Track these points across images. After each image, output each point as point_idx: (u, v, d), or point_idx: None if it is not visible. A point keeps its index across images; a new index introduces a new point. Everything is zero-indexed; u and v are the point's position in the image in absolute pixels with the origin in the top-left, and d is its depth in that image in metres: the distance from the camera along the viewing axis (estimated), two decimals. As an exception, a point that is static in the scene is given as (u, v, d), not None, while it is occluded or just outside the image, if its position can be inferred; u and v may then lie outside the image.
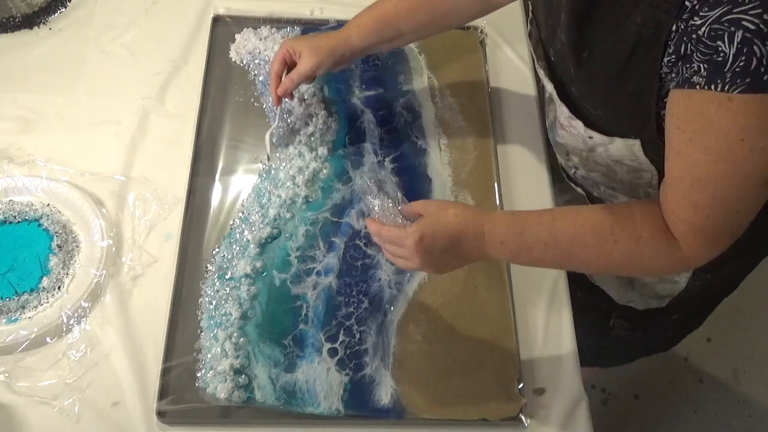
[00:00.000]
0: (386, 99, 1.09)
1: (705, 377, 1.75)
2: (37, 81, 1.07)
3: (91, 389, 0.84)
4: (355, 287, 0.92)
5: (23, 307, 0.87)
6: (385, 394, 0.85)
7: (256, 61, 1.11)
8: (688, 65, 0.61)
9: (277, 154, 1.01)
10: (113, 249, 0.92)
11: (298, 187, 0.99)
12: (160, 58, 1.11)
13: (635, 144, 0.76)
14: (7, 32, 1.12)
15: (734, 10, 0.55)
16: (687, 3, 0.60)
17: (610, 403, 1.71)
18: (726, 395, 1.73)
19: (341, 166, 1.02)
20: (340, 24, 1.13)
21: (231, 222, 0.96)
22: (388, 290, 0.92)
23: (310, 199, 0.99)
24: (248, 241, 0.94)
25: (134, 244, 0.94)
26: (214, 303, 0.89)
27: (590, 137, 0.80)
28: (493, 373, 0.87)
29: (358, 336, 0.89)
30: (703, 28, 0.58)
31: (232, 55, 1.12)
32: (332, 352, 0.87)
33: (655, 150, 0.74)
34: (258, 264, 0.92)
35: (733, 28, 0.55)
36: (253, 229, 0.95)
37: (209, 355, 0.86)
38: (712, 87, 0.58)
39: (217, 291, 0.90)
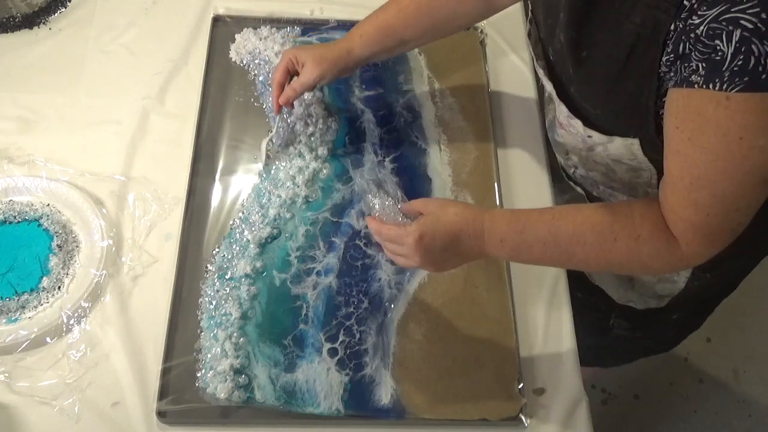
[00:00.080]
0: (386, 99, 1.09)
1: (705, 377, 1.75)
2: (37, 81, 1.07)
3: (91, 389, 0.84)
4: (355, 287, 0.92)
5: (23, 307, 0.87)
6: (385, 394, 0.85)
7: (256, 61, 1.11)
8: (686, 64, 0.61)
9: (275, 163, 1.01)
10: (113, 249, 0.92)
11: (298, 187, 0.99)
12: (160, 58, 1.11)
13: (634, 143, 0.76)
14: (7, 32, 1.12)
15: (732, 9, 0.56)
16: (686, 2, 0.60)
17: (610, 403, 1.71)
18: (726, 395, 1.73)
19: (341, 166, 1.02)
20: (340, 24, 1.14)
21: (231, 222, 0.96)
22: (388, 290, 0.92)
23: (310, 199, 0.99)
24: (248, 241, 0.94)
25: (134, 244, 0.94)
26: (214, 303, 0.89)
27: (589, 136, 0.80)
28: (493, 372, 0.87)
29: (358, 336, 0.89)
30: (702, 27, 0.58)
31: (232, 55, 1.12)
32: (332, 352, 0.87)
33: (654, 149, 0.74)
34: (258, 264, 0.92)
35: (731, 27, 0.56)
36: (253, 229, 0.95)
37: (209, 355, 0.86)
38: (711, 86, 0.58)
39: (217, 291, 0.90)
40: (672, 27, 0.62)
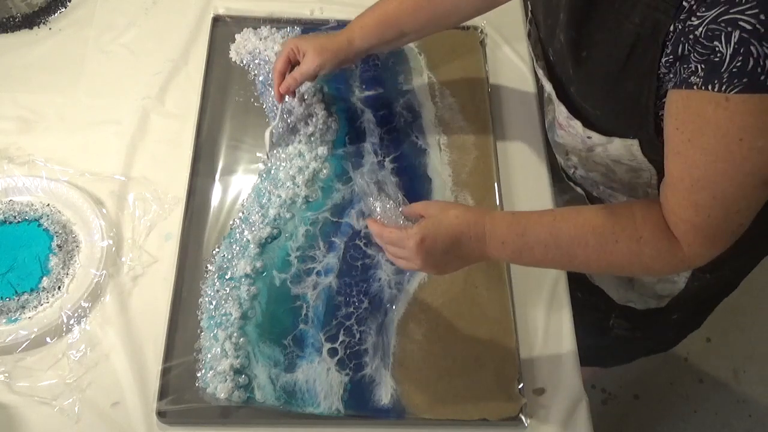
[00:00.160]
0: (386, 99, 1.09)
1: (705, 377, 1.75)
2: (37, 81, 1.07)
3: (91, 389, 0.84)
4: (355, 287, 0.92)
5: (23, 307, 0.87)
6: (385, 394, 0.85)
7: (256, 61, 1.11)
8: (685, 65, 0.61)
9: (276, 152, 1.01)
10: (113, 249, 0.92)
11: (298, 187, 0.99)
12: (160, 58, 1.11)
13: (634, 144, 0.76)
14: (7, 32, 1.12)
15: (731, 11, 0.56)
16: (685, 3, 0.60)
17: (610, 403, 1.71)
18: (726, 395, 1.73)
19: (341, 166, 1.02)
20: (340, 24, 1.14)
21: (231, 222, 0.96)
22: (388, 290, 0.92)
23: (310, 199, 0.99)
24: (248, 241, 0.94)
25: (134, 244, 0.94)
26: (214, 303, 0.89)
27: (589, 137, 0.80)
28: (493, 373, 0.87)
29: (358, 336, 0.89)
30: (701, 29, 0.58)
31: (232, 55, 1.12)
32: (332, 352, 0.87)
33: (654, 150, 0.74)
34: (258, 264, 0.92)
35: (730, 29, 0.56)
36: (253, 229, 0.95)
37: (209, 355, 0.86)
38: (710, 87, 0.58)
39: (217, 291, 0.90)
40: (671, 28, 0.62)
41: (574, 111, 0.81)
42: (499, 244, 0.75)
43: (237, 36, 1.13)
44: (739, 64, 0.55)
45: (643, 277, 0.99)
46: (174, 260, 0.92)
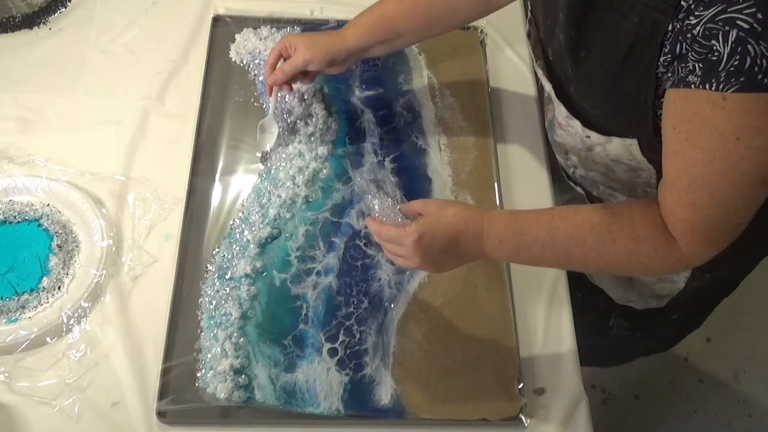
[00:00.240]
0: (386, 99, 1.09)
1: (705, 377, 1.75)
2: (37, 81, 1.07)
3: (91, 389, 0.84)
4: (355, 287, 0.92)
5: (23, 307, 0.87)
6: (385, 394, 0.85)
7: (256, 61, 1.11)
8: (683, 65, 0.61)
9: (268, 147, 1.01)
10: (113, 249, 0.92)
11: (298, 187, 0.99)
12: (160, 58, 1.11)
13: (633, 143, 0.76)
14: (7, 32, 1.12)
15: (728, 10, 0.56)
16: (683, 3, 0.60)
17: (610, 403, 1.71)
18: (726, 395, 1.73)
19: (341, 166, 1.02)
20: (340, 24, 1.14)
21: (231, 222, 0.96)
22: (388, 290, 0.92)
23: (310, 199, 0.99)
24: (248, 241, 0.94)
25: (134, 244, 0.94)
26: (214, 303, 0.89)
27: (588, 137, 0.80)
28: (493, 372, 0.87)
29: (358, 336, 0.89)
30: (698, 28, 0.58)
31: (232, 55, 1.12)
32: (332, 352, 0.87)
33: (653, 149, 0.74)
34: (258, 264, 0.92)
35: (727, 28, 0.56)
36: (253, 229, 0.95)
37: (209, 355, 0.86)
38: (707, 86, 0.58)
39: (217, 291, 0.90)
40: (669, 27, 0.62)
41: (574, 110, 0.81)
42: (497, 242, 0.75)
43: (237, 36, 1.13)
44: (736, 63, 0.56)
45: (642, 276, 0.99)
46: (174, 260, 0.92)
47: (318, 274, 0.93)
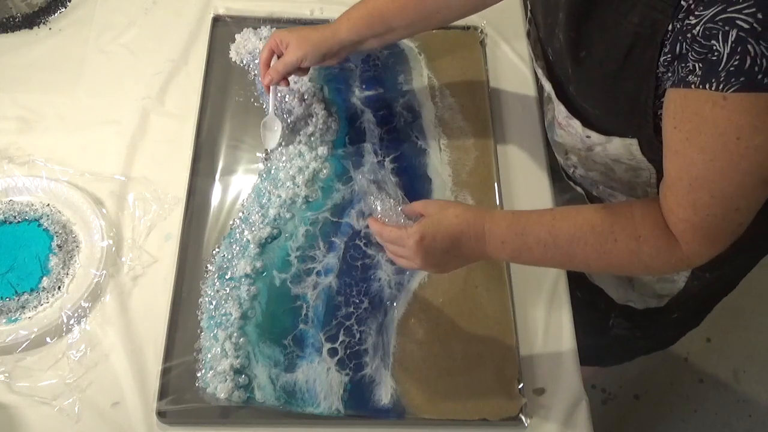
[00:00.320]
0: (386, 99, 1.09)
1: (705, 377, 1.75)
2: (37, 81, 1.07)
3: (91, 389, 0.84)
4: (355, 287, 0.92)
5: (23, 307, 0.87)
6: (385, 394, 0.85)
7: (256, 61, 1.11)
8: (683, 64, 0.61)
9: (273, 144, 1.01)
10: (113, 249, 0.92)
11: (298, 187, 0.99)
12: (160, 58, 1.11)
13: (633, 143, 0.76)
14: (7, 32, 1.12)
15: (728, 10, 0.56)
16: (683, 2, 0.60)
17: (610, 403, 1.71)
18: (726, 395, 1.73)
19: (341, 166, 1.02)
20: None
21: (231, 222, 0.96)
22: (388, 290, 0.92)
23: (310, 199, 0.99)
24: (248, 241, 0.94)
25: (134, 244, 0.94)
26: (214, 303, 0.89)
27: (588, 136, 0.80)
28: (493, 372, 0.87)
29: (358, 336, 0.89)
30: (698, 28, 0.58)
31: (232, 55, 1.12)
32: (332, 352, 0.87)
33: (653, 149, 0.74)
34: (258, 264, 0.92)
35: (727, 27, 0.56)
36: (253, 229, 0.95)
37: (209, 355, 0.86)
38: (707, 86, 0.58)
39: (217, 291, 0.90)
40: (669, 27, 0.62)
41: (573, 110, 0.81)
42: (499, 243, 0.75)
43: (237, 36, 1.13)
44: (736, 62, 0.56)
45: (643, 276, 0.99)
46: (174, 260, 0.92)
47: (318, 274, 0.93)
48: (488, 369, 0.88)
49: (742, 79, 0.56)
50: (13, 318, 0.87)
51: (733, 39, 0.55)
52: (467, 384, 0.87)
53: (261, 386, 0.84)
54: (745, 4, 0.55)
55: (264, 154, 1.02)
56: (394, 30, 0.94)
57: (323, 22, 1.15)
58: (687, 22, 0.59)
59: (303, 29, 0.96)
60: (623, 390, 1.72)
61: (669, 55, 0.63)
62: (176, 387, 0.84)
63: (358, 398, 0.85)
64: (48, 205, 0.95)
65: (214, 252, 0.93)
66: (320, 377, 0.85)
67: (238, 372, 0.85)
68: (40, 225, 0.93)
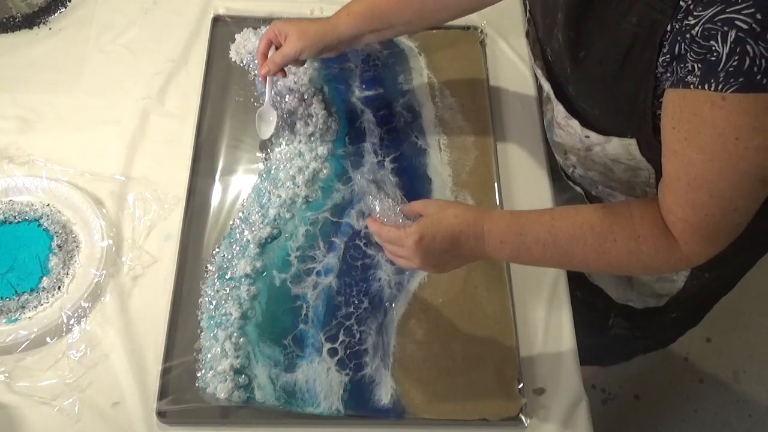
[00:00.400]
0: (386, 99, 1.09)
1: (705, 377, 1.75)
2: (37, 81, 1.08)
3: (91, 389, 0.84)
4: (355, 287, 0.92)
5: (23, 307, 0.87)
6: (385, 394, 0.85)
7: (256, 61, 1.11)
8: (682, 65, 0.61)
9: (268, 134, 1.01)
10: (113, 249, 0.92)
11: (298, 187, 0.99)
12: (160, 58, 1.11)
13: (631, 143, 0.76)
14: (7, 32, 1.12)
15: (727, 10, 0.56)
16: (681, 3, 0.60)
17: (610, 403, 1.71)
18: (726, 395, 1.73)
19: (341, 166, 1.02)
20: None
21: (231, 222, 0.96)
22: (388, 290, 0.92)
23: (310, 199, 0.99)
24: (248, 241, 0.94)
25: (134, 244, 0.94)
26: (214, 303, 0.89)
27: (587, 136, 0.80)
28: (493, 372, 0.87)
29: (358, 336, 0.89)
30: (697, 28, 0.58)
31: (232, 55, 1.12)
32: (332, 352, 0.87)
33: (652, 149, 0.74)
34: (258, 264, 0.92)
35: (726, 28, 0.56)
36: (253, 229, 0.95)
37: (209, 355, 0.86)
38: (706, 86, 0.58)
39: (217, 291, 0.90)
40: (668, 28, 0.62)
41: (572, 110, 0.81)
42: (498, 243, 0.75)
43: (237, 36, 1.13)
44: (735, 63, 0.56)
45: (642, 276, 0.99)
46: (174, 260, 0.92)
47: (318, 274, 0.93)
48: (488, 369, 0.88)
49: (741, 79, 0.56)
50: (13, 318, 0.87)
51: (732, 39, 0.55)
52: (467, 384, 0.87)
53: (261, 386, 0.84)
54: (744, 5, 0.55)
55: (264, 154, 1.02)
56: (393, 26, 0.95)
57: (323, 23, 1.15)
58: (686, 22, 0.59)
59: (302, 21, 0.96)
60: (623, 390, 1.72)
61: (668, 56, 0.63)
62: (176, 387, 0.84)
63: (358, 398, 0.85)
64: (48, 205, 0.95)
65: (214, 252, 0.94)
66: (320, 377, 0.85)
67: (238, 372, 0.85)
68: (40, 225, 0.93)
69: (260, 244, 0.94)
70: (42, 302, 0.88)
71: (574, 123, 0.81)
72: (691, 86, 0.59)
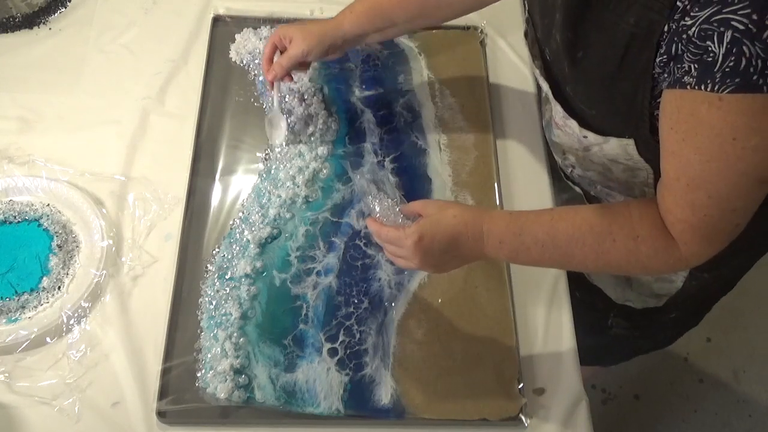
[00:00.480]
0: (386, 99, 1.09)
1: (705, 377, 1.75)
2: (37, 81, 1.08)
3: (91, 389, 0.84)
4: (355, 287, 0.92)
5: (23, 307, 0.87)
6: (385, 394, 0.85)
7: (256, 61, 1.11)
8: (679, 65, 0.61)
9: (279, 140, 1.01)
10: (113, 249, 0.92)
11: (298, 187, 0.99)
12: (160, 58, 1.11)
13: (629, 144, 0.76)
14: (7, 32, 1.12)
15: (723, 10, 0.56)
16: (678, 3, 0.60)
17: (610, 403, 1.71)
18: (726, 395, 1.73)
19: (341, 166, 1.02)
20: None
21: (231, 222, 0.96)
22: (388, 290, 0.92)
23: (310, 199, 0.99)
24: (248, 241, 0.94)
25: (134, 244, 0.94)
26: (214, 303, 0.89)
27: (585, 137, 0.80)
28: (493, 372, 0.87)
29: (358, 336, 0.89)
30: (694, 29, 0.58)
31: (232, 55, 1.12)
32: (332, 352, 0.87)
33: (650, 149, 0.74)
34: (258, 264, 0.92)
35: (722, 28, 0.56)
36: (253, 229, 0.95)
37: (209, 355, 0.86)
38: (703, 87, 0.58)
39: (217, 291, 0.90)
40: (665, 28, 0.62)
41: (570, 111, 0.81)
42: (497, 243, 0.75)
43: (237, 36, 1.13)
44: (731, 63, 0.56)
45: (641, 276, 0.99)
46: (174, 260, 0.92)
47: (318, 274, 0.93)
48: (488, 369, 0.88)
49: (737, 80, 0.56)
50: (13, 318, 0.87)
51: (728, 40, 0.55)
52: (467, 384, 0.87)
53: (261, 386, 0.84)
54: (740, 5, 0.55)
55: (264, 154, 1.02)
56: (396, 25, 0.95)
57: (323, 23, 1.15)
58: (683, 23, 0.59)
59: (306, 24, 0.96)
60: (623, 390, 1.72)
61: (665, 56, 0.63)
62: (176, 387, 0.84)
63: (358, 398, 0.85)
64: (48, 205, 0.95)
65: (214, 252, 0.94)
66: (320, 377, 0.85)
67: (238, 372, 0.85)
68: (40, 225, 0.93)
69: (260, 244, 0.94)
70: (42, 302, 0.88)
71: (573, 123, 0.81)
72: (688, 87, 0.59)
